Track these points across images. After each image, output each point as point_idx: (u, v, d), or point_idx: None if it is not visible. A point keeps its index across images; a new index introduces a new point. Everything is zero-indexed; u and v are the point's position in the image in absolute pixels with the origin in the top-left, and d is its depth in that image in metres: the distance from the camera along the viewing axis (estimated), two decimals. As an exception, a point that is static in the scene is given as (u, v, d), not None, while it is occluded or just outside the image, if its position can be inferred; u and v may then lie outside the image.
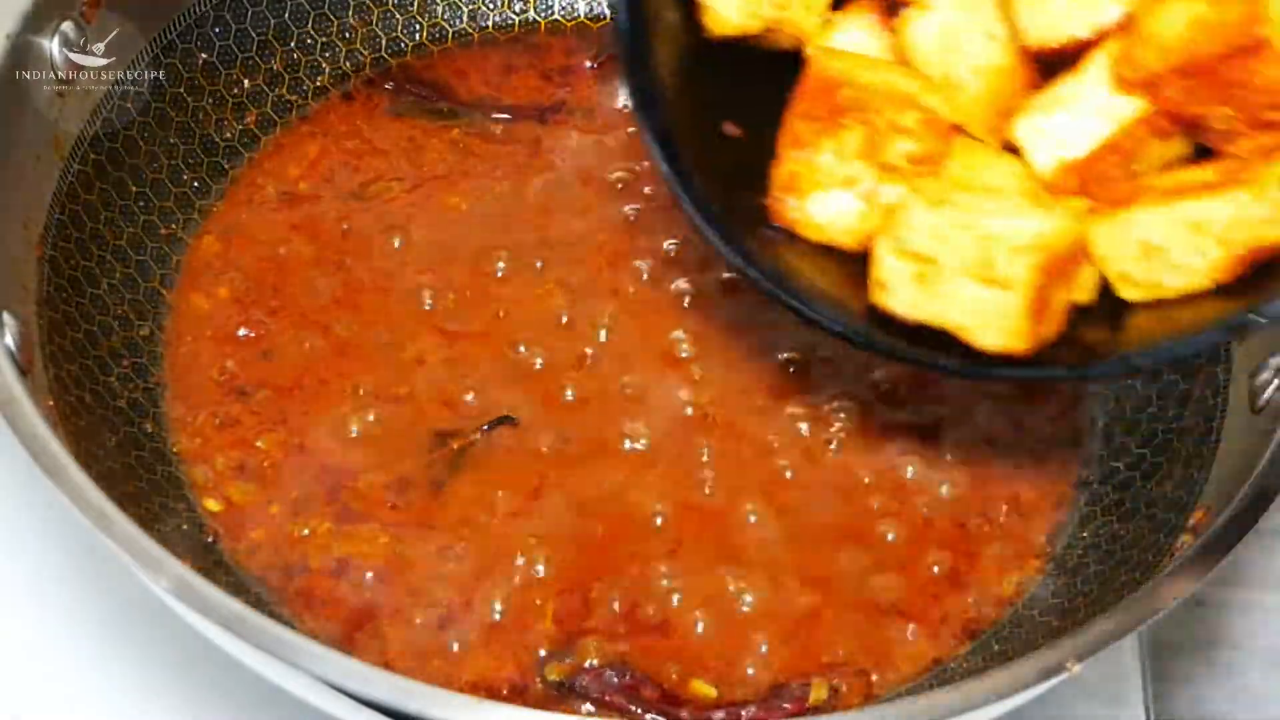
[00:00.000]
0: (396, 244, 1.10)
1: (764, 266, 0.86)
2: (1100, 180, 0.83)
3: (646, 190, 1.13)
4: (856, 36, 0.89)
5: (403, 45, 1.22)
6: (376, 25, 1.21)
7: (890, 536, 0.98)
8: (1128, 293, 0.83)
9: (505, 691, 0.90)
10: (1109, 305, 0.84)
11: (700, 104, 0.90)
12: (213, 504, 0.97)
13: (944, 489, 1.00)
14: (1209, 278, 0.80)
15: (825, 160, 0.86)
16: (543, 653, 0.92)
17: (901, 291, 0.82)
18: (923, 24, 0.87)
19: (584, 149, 1.16)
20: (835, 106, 0.85)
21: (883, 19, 0.89)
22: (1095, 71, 0.83)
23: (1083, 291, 0.83)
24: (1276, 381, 0.92)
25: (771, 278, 0.85)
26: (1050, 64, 0.85)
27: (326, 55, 1.19)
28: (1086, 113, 0.83)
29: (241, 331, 1.05)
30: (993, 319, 0.80)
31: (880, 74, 0.85)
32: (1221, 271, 0.80)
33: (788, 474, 1.00)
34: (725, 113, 0.91)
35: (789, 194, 0.87)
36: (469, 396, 1.02)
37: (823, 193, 0.86)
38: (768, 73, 0.89)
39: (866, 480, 1.00)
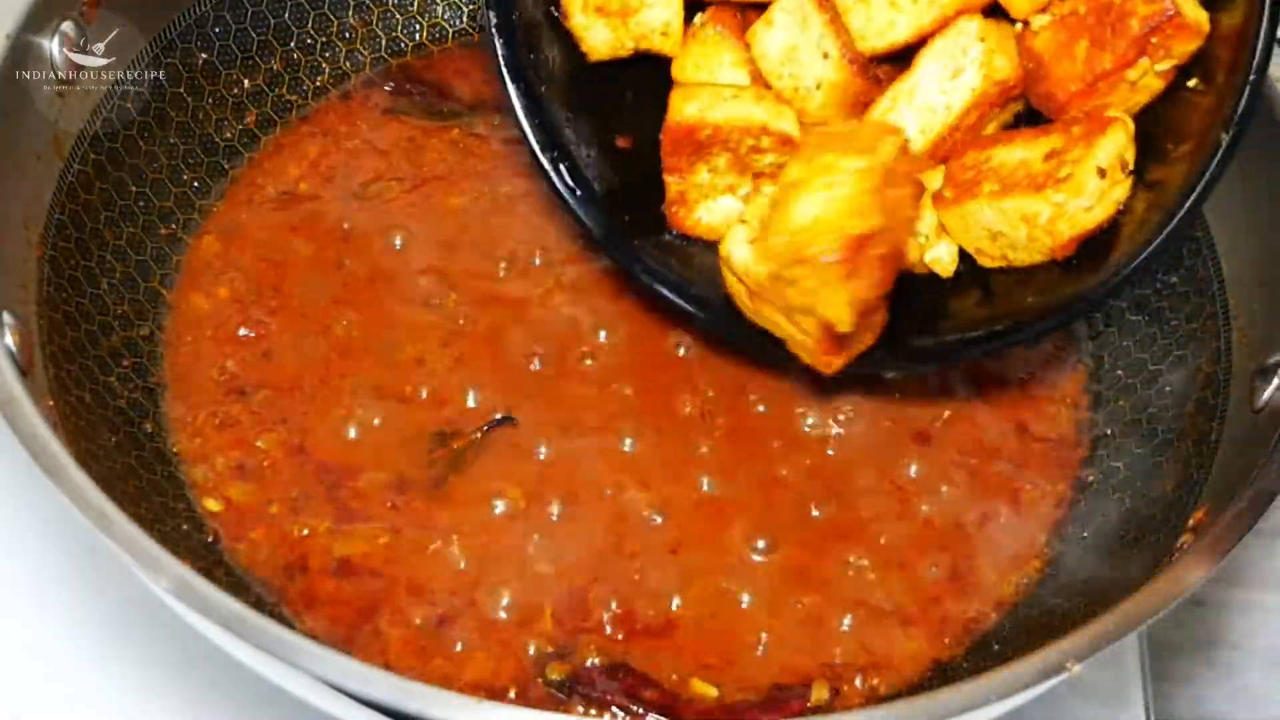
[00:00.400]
0: (396, 244, 1.10)
1: (654, 271, 0.97)
2: (956, 153, 0.94)
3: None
4: (713, 49, 0.99)
5: (403, 45, 1.22)
6: (376, 25, 1.21)
7: (890, 537, 0.98)
8: (984, 262, 0.95)
9: (506, 692, 0.90)
10: (976, 271, 0.96)
11: (596, 124, 1.00)
12: (213, 504, 0.97)
13: (944, 489, 1.00)
14: (1044, 257, 0.92)
15: (704, 179, 0.97)
16: (543, 652, 0.92)
17: (744, 303, 0.94)
18: (767, 40, 0.97)
19: (584, 149, 1.16)
20: (698, 144, 0.95)
21: (735, 33, 0.99)
22: (925, 70, 0.94)
23: (944, 268, 0.96)
24: (1276, 381, 0.92)
25: (654, 276, 0.97)
26: (895, 64, 0.95)
27: (326, 55, 1.19)
28: (921, 107, 0.94)
29: (241, 331, 1.05)
30: (802, 349, 0.93)
31: (733, 108, 0.95)
32: (1053, 252, 0.91)
33: (787, 474, 1.00)
34: (620, 126, 1.02)
35: (680, 207, 0.98)
36: (469, 396, 1.02)
37: (709, 201, 0.98)
38: (657, 79, 0.99)
39: (866, 480, 1.00)
